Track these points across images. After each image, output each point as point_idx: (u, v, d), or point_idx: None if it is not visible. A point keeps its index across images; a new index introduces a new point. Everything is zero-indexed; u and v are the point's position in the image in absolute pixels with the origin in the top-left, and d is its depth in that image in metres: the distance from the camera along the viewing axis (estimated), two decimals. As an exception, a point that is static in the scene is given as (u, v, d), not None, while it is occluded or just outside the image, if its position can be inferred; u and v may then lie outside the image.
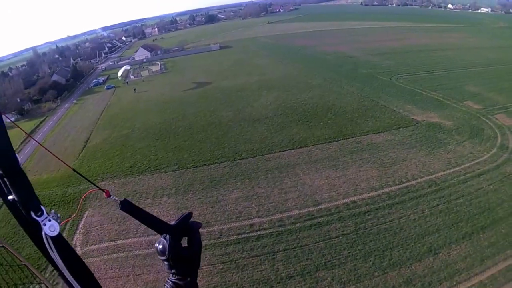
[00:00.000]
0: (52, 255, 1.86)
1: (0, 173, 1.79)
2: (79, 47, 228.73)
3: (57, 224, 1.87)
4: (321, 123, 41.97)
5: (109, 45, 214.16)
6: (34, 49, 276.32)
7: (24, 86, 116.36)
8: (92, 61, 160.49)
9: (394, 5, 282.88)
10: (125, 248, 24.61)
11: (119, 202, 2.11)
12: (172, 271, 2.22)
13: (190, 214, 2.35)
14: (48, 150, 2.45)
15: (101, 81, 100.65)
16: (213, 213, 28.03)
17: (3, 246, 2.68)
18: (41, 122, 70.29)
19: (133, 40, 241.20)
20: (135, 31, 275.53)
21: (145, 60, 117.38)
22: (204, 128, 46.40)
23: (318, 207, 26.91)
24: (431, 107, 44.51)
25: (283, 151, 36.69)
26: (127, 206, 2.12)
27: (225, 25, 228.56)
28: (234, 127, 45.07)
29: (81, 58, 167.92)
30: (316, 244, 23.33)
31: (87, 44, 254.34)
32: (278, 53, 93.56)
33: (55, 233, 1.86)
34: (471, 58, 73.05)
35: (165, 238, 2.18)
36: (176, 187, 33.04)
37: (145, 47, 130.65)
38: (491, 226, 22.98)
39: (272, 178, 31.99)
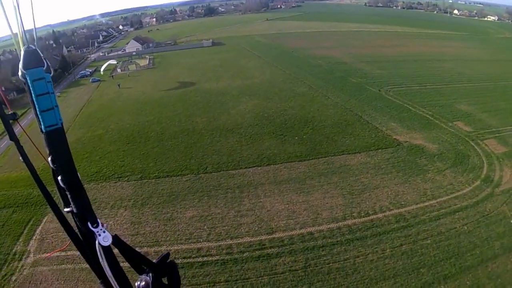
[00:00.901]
0: (102, 264, 2.02)
1: (62, 187, 2.01)
2: (75, 34, 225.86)
3: (109, 235, 2.05)
4: (296, 138, 39.74)
5: (104, 33, 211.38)
6: (30, 32, 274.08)
7: (12, 73, 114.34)
8: (84, 50, 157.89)
9: (399, 7, 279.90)
10: (74, 259, 23.68)
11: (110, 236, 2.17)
12: None
13: (168, 254, 2.51)
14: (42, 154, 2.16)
15: (88, 73, 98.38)
16: (164, 232, 26.65)
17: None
18: (21, 115, 68.57)
19: (129, 30, 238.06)
20: (133, 20, 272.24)
21: (134, 53, 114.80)
22: (176, 134, 44.49)
23: (272, 236, 25.05)
24: (417, 127, 42.18)
25: (249, 167, 34.59)
26: (117, 241, 2.18)
27: (223, 19, 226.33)
28: (206, 136, 43.04)
29: (74, 46, 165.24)
30: (260, 278, 21.65)
31: (84, 30, 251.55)
32: (269, 54, 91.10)
33: (108, 243, 2.04)
34: (469, 71, 70.75)
35: (147, 276, 2.30)
36: (134, 199, 31.37)
37: (137, 39, 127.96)
38: (456, 276, 20.84)
39: (232, 198, 30.00)
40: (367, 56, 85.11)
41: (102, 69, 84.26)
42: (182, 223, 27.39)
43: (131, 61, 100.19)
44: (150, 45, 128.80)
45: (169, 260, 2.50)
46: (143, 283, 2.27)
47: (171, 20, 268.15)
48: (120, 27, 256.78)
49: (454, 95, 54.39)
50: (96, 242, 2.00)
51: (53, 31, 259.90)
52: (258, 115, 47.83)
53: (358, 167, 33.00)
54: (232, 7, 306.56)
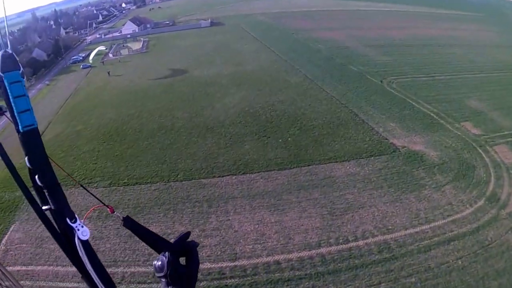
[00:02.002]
0: (82, 258, 2.08)
1: (40, 186, 2.12)
2: (76, 13, 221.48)
3: (87, 230, 2.13)
4: (280, 141, 36.09)
5: (105, 13, 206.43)
6: (33, 11, 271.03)
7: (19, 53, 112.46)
8: (82, 31, 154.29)
9: None
10: (33, 276, 22.83)
11: (121, 218, 2.35)
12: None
13: (188, 234, 2.46)
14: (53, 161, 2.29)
15: (81, 58, 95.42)
16: (124, 250, 24.35)
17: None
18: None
19: (131, 8, 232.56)
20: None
21: (129, 36, 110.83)
22: (153, 133, 41.72)
23: (234, 263, 22.24)
24: (419, 128, 37.83)
25: (223, 175, 31.40)
26: (129, 223, 2.35)
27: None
28: (184, 135, 40.07)
29: (73, 27, 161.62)
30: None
31: (84, 9, 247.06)
32: (268, 37, 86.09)
33: (86, 238, 2.12)
34: (482, 59, 64.90)
35: (164, 255, 2.27)
36: (100, 210, 28.29)
37: (134, 20, 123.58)
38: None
39: (199, 213, 27.13)
40: (373, 39, 79.48)
41: (91, 57, 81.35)
42: (142, 242, 24.63)
43: (123, 45, 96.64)
44: (148, 26, 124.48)
45: (188, 239, 2.46)
46: (159, 262, 2.25)
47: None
48: (123, 5, 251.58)
49: (464, 88, 49.47)
50: (76, 237, 2.07)
51: (55, 10, 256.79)
52: (243, 110, 44.21)
53: (344, 179, 29.33)
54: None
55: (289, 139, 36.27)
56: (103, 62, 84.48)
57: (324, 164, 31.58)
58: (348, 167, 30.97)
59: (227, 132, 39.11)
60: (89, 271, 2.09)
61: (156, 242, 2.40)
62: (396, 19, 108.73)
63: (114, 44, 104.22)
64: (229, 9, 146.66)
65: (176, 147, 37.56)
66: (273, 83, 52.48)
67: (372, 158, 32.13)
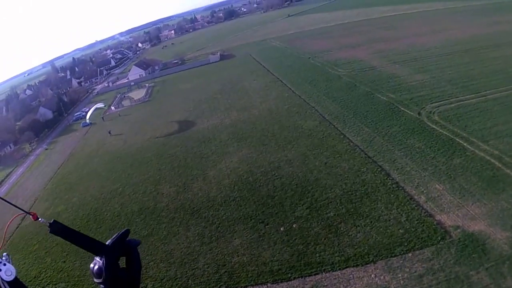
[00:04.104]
0: None
1: None
2: (93, 59, 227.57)
3: (12, 267, 1.95)
4: (282, 229, 27.74)
5: (118, 56, 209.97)
6: (53, 62, 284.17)
7: (21, 115, 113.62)
8: (93, 80, 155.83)
9: None
10: None
11: (48, 224, 2.16)
12: None
13: (127, 232, 2.32)
14: None
15: (84, 113, 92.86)
16: None
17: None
18: (6, 176, 66.14)
19: (146, 47, 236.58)
20: (151, 35, 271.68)
21: (132, 83, 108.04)
22: (131, 219, 36.23)
23: None
24: (476, 188, 27.77)
25: (200, 296, 23.61)
26: (57, 228, 2.15)
27: (242, 21, 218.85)
28: (165, 221, 33.74)
29: (84, 77, 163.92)
30: None
31: (102, 54, 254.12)
32: (280, 66, 79.04)
33: (12, 277, 1.92)
34: (546, 59, 53.60)
35: (100, 259, 2.14)
36: None
37: (140, 64, 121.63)
38: None
39: None
40: (402, 53, 69.90)
41: (88, 116, 78.28)
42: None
43: (124, 96, 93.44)
44: (156, 67, 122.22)
45: (128, 238, 2.31)
46: (96, 267, 2.11)
47: (191, 30, 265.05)
48: (140, 44, 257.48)
49: (534, 109, 39.13)
50: None
51: (73, 58, 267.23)
52: (240, 179, 36.47)
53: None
54: (255, 5, 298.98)
55: (294, 225, 27.79)
56: (103, 118, 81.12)
57: (339, 270, 22.75)
58: (372, 275, 21.88)
59: (215, 217, 31.44)
60: None
61: (90, 245, 2.17)
62: (426, 22, 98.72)
63: (119, 94, 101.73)
64: (242, 37, 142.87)
65: (153, 241, 30.79)
66: (282, 133, 44.55)
67: (409, 254, 22.88)
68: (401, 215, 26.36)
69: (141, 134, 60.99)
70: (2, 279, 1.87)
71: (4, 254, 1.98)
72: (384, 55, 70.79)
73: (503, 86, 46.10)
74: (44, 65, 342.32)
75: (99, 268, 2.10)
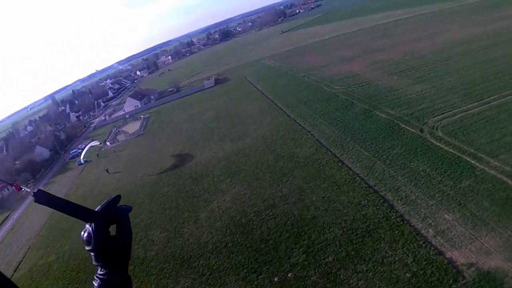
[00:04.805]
0: None
1: None
2: (92, 90, 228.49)
3: None
4: (276, 279, 25.22)
5: (116, 86, 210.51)
6: (53, 96, 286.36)
7: (21, 154, 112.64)
8: (91, 113, 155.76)
9: None
10: None
11: (32, 194, 2.04)
12: (99, 263, 2.12)
13: (117, 198, 2.27)
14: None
15: (80, 150, 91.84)
16: None
17: None
18: (3, 221, 65.42)
19: (144, 75, 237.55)
20: (148, 63, 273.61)
21: (127, 116, 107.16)
22: None
23: None
24: (489, 214, 24.87)
25: None
26: (42, 197, 2.05)
27: (237, 41, 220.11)
28: (153, 273, 31.90)
29: (82, 110, 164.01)
30: None
31: (101, 84, 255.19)
32: (275, 87, 77.27)
33: None
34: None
35: (90, 226, 2.11)
36: None
37: (134, 95, 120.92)
38: None
39: None
40: (399, 62, 67.82)
41: (82, 155, 77.33)
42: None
43: (119, 130, 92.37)
44: (152, 97, 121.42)
45: (119, 204, 2.28)
46: (86, 234, 2.10)
47: (187, 54, 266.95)
48: (138, 72, 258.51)
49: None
50: None
51: (72, 91, 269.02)
52: (233, 221, 34.07)
53: None
54: (250, 24, 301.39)
55: (289, 274, 25.18)
56: (98, 155, 79.84)
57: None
58: None
59: (206, 267, 28.97)
60: None
61: (79, 212, 2.11)
62: (422, 26, 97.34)
63: (115, 127, 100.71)
64: (236, 58, 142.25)
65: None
66: (277, 164, 42.19)
67: (421, 304, 20.39)
68: (407, 255, 23.72)
69: (135, 171, 59.21)
70: None
71: None
72: (381, 67, 68.80)
73: (507, 89, 43.79)
74: (46, 98, 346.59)
75: (89, 234, 2.06)
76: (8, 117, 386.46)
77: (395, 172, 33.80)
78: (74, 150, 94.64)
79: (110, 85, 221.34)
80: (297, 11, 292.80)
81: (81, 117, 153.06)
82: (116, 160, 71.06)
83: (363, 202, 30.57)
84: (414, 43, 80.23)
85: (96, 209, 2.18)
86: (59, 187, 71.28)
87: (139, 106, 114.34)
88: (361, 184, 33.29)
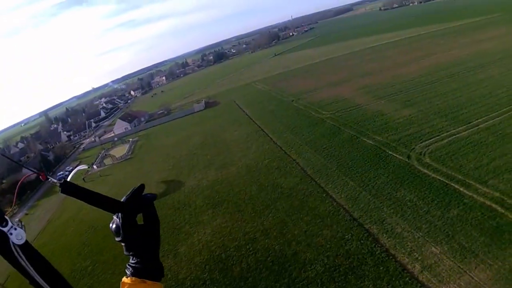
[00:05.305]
0: (23, 263, 1.88)
1: None
2: (85, 109, 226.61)
3: (23, 231, 1.92)
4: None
5: (110, 106, 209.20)
6: (46, 113, 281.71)
7: (8, 173, 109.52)
8: (82, 133, 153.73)
9: (416, 3, 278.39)
10: None
11: (58, 184, 2.04)
12: (130, 253, 2.14)
13: (142, 187, 2.25)
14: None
15: (67, 173, 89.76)
16: None
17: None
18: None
19: (138, 95, 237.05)
20: (143, 83, 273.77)
21: (116, 139, 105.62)
22: None
23: None
24: (478, 244, 23.85)
25: None
26: (69, 188, 2.05)
27: (231, 64, 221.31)
28: None
29: (73, 130, 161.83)
30: None
31: (96, 103, 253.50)
32: (263, 112, 76.50)
33: (22, 241, 1.89)
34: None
35: (117, 217, 2.14)
36: None
37: (124, 117, 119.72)
38: None
39: None
40: (387, 85, 67.88)
41: (69, 177, 75.18)
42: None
43: (106, 154, 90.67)
44: (142, 119, 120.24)
45: (144, 193, 2.25)
46: (114, 226, 2.14)
47: (181, 75, 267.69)
48: (132, 92, 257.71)
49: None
50: (10, 242, 1.85)
51: (66, 109, 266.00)
52: (212, 256, 32.31)
53: None
54: (244, 46, 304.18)
55: None
56: (84, 179, 77.81)
57: None
58: None
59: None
60: (36, 279, 1.86)
61: (105, 203, 2.14)
62: (409, 49, 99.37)
63: (103, 150, 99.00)
64: (228, 81, 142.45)
65: None
66: (260, 195, 40.67)
67: None
68: (393, 298, 22.25)
69: (118, 198, 57.29)
70: (13, 242, 1.82)
71: (17, 219, 1.91)
72: (369, 91, 68.52)
73: (494, 112, 44.11)
74: (40, 114, 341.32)
75: (117, 226, 2.06)
76: (2, 131, 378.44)
77: (380, 203, 32.52)
78: (61, 173, 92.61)
79: (103, 105, 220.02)
80: (291, 33, 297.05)
81: (72, 137, 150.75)
82: (101, 184, 69.18)
83: (346, 236, 29.12)
84: (402, 66, 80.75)
85: (122, 200, 2.14)
86: (43, 211, 69.21)
87: (129, 128, 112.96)
88: (345, 216, 31.89)
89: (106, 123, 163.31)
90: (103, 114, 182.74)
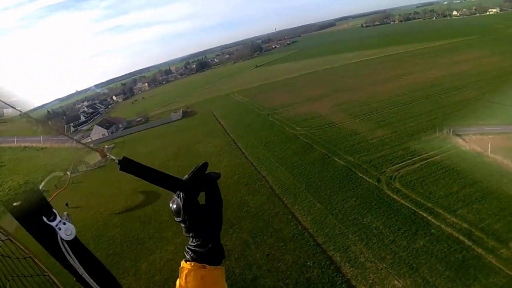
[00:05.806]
0: (71, 261, 1.84)
1: None
2: (67, 112, 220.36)
3: (72, 226, 1.87)
4: None
5: (90, 110, 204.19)
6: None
7: None
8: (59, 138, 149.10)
9: (397, 22, 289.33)
10: None
11: (117, 161, 1.91)
12: (190, 234, 2.04)
13: (205, 165, 2.09)
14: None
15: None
16: None
17: (9, 239, 2.30)
18: None
19: (119, 101, 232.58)
20: (125, 88, 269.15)
21: (92, 146, 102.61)
22: None
23: None
24: (443, 279, 23.18)
25: None
26: (128, 165, 1.91)
27: (213, 73, 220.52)
28: None
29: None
30: None
31: (78, 106, 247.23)
32: (239, 125, 75.24)
33: (72, 237, 1.85)
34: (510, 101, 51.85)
35: (178, 196, 2.01)
36: None
37: (102, 123, 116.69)
38: None
39: None
40: (363, 103, 67.89)
41: (41, 186, 72.04)
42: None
43: (80, 160, 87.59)
44: (120, 125, 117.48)
45: (207, 172, 2.05)
46: (174, 205, 2.00)
47: (164, 82, 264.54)
48: (114, 97, 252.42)
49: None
50: (58, 237, 1.80)
51: (47, 111, 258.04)
52: (172, 275, 30.12)
53: None
54: (227, 56, 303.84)
55: None
56: (56, 185, 74.72)
57: None
58: None
59: None
60: (83, 276, 1.84)
61: (166, 182, 1.95)
62: (388, 67, 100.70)
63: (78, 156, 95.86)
64: (208, 90, 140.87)
65: None
66: (225, 213, 35.20)
67: None
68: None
69: (87, 208, 54.91)
70: (61, 238, 1.77)
71: (65, 213, 1.85)
72: (346, 108, 68.29)
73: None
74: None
75: (178, 205, 1.95)
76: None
77: (346, 228, 31.59)
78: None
79: (84, 109, 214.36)
80: (273, 46, 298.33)
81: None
82: (72, 192, 66.40)
83: (308, 263, 28.01)
84: (380, 84, 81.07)
85: (184, 178, 1.99)
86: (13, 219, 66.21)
87: (106, 135, 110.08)
88: (309, 241, 30.81)
89: (85, 127, 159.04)
90: (83, 119, 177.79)
